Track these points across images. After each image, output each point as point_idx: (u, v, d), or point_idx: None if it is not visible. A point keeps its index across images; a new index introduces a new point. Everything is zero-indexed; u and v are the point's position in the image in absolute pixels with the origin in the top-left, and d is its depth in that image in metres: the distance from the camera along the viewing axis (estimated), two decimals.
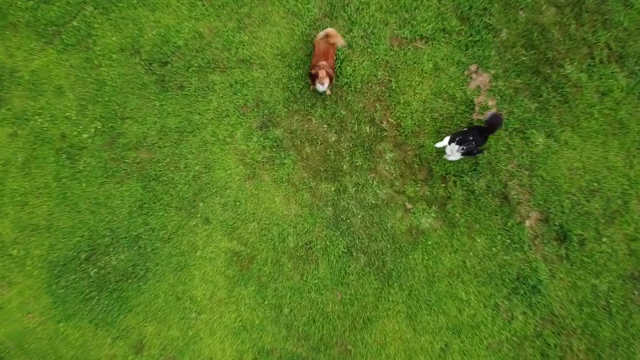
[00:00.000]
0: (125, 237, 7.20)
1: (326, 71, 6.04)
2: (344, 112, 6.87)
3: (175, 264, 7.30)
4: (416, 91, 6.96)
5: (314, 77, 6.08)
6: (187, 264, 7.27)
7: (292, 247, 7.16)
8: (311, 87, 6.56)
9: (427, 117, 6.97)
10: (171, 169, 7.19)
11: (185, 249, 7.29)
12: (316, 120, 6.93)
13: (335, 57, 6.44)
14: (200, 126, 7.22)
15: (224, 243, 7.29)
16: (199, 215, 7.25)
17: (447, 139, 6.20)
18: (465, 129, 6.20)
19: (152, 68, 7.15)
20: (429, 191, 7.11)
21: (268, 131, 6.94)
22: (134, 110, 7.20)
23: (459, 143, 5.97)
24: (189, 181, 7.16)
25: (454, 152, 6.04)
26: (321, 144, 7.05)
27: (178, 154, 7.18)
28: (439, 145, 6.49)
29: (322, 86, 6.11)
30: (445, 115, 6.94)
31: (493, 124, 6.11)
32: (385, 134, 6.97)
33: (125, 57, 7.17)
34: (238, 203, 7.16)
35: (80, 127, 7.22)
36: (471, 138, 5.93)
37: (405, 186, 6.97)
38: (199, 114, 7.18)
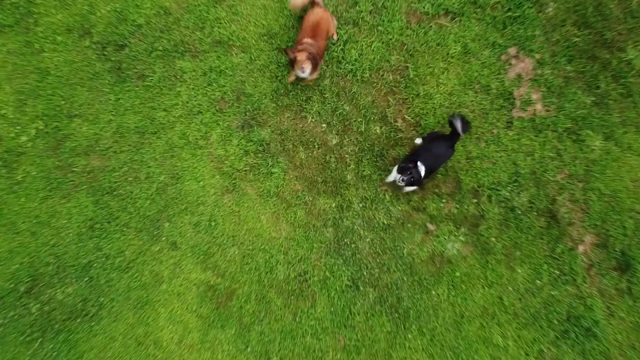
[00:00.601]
0: (74, 266, 5.93)
1: (309, 53, 4.78)
2: (347, 108, 5.89)
3: (136, 300, 5.95)
4: (440, 81, 5.72)
5: (292, 60, 4.83)
6: (150, 299, 5.95)
7: (283, 279, 5.89)
8: (289, 78, 5.52)
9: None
10: (129, 180, 5.92)
11: (148, 281, 5.96)
12: (313, 118, 5.92)
13: (330, 37, 5.30)
14: (166, 126, 6.06)
15: (196, 274, 6.01)
16: (164, 238, 5.98)
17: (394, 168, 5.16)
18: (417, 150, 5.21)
19: (105, 53, 5.92)
20: (457, 208, 5.87)
21: (252, 132, 5.98)
22: (84, 107, 5.95)
23: (399, 172, 4.85)
24: (151, 195, 5.90)
25: (399, 183, 4.96)
26: (319, 148, 5.95)
27: (138, 161, 5.92)
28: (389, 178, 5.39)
29: (302, 72, 4.87)
30: (478, 112, 5.72)
31: (462, 125, 4.88)
32: (400, 135, 5.83)
33: (73, 40, 5.95)
34: (214, 223, 6.02)
35: (19, 127, 5.98)
36: (411, 165, 4.84)
37: (426, 202, 5.90)
38: (165, 110, 5.97)
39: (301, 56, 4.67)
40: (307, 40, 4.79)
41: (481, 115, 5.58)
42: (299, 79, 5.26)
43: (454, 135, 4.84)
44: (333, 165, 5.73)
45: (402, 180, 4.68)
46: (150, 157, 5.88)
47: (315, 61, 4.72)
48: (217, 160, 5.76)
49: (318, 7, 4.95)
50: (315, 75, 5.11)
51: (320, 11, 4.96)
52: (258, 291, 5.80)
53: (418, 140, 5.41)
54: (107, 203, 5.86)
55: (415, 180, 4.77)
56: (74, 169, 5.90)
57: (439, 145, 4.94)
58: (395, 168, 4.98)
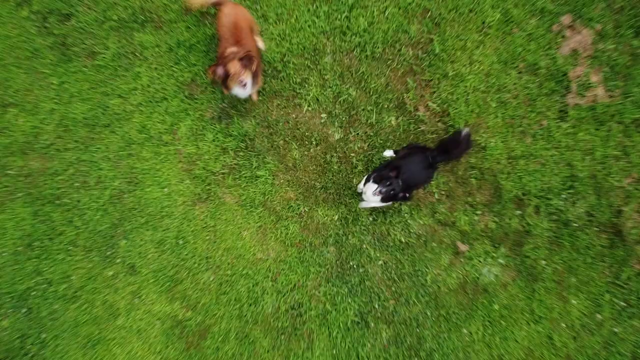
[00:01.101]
0: (9, 294, 4.85)
1: (243, 62, 3.67)
2: (354, 93, 4.74)
3: (85, 337, 4.85)
4: (474, 58, 4.51)
5: (223, 77, 3.72)
6: (103, 337, 4.84)
7: (271, 314, 4.75)
8: (225, 92, 4.35)
9: (491, 100, 4.54)
10: (76, 186, 4.80)
11: (100, 314, 4.85)
12: (309, 106, 4.77)
13: (256, 30, 4.16)
14: (122, 116, 4.92)
15: (160, 305, 4.86)
16: (119, 260, 4.86)
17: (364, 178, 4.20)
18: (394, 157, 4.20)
19: (47, 25, 4.76)
20: (495, 222, 4.67)
21: (231, 124, 4.87)
22: (21, 93, 4.78)
23: (376, 181, 3.82)
24: (103, 205, 4.79)
25: (369, 196, 3.87)
26: (317, 144, 4.80)
27: (87, 162, 4.80)
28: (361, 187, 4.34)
29: (243, 87, 3.75)
30: (523, 98, 4.54)
31: (459, 144, 3.88)
32: (422, 127, 4.67)
33: (8, 10, 4.78)
34: (182, 241, 4.86)
35: None
36: (392, 174, 3.80)
37: (456, 214, 4.74)
38: (120, 96, 4.82)
39: (234, 67, 3.59)
40: (232, 49, 3.70)
41: (527, 102, 4.49)
42: (238, 101, 4.41)
43: (440, 153, 3.86)
44: (335, 167, 4.63)
45: (380, 192, 3.65)
46: (102, 156, 4.80)
47: (254, 70, 3.69)
48: (186, 160, 4.73)
49: (227, 5, 3.86)
50: (259, 86, 4.01)
51: (231, 8, 3.86)
52: (239, 328, 4.72)
53: (388, 153, 4.37)
54: (49, 215, 4.79)
55: (394, 194, 3.71)
56: (8, 172, 4.80)
57: (415, 163, 3.93)
58: (368, 177, 4.00)
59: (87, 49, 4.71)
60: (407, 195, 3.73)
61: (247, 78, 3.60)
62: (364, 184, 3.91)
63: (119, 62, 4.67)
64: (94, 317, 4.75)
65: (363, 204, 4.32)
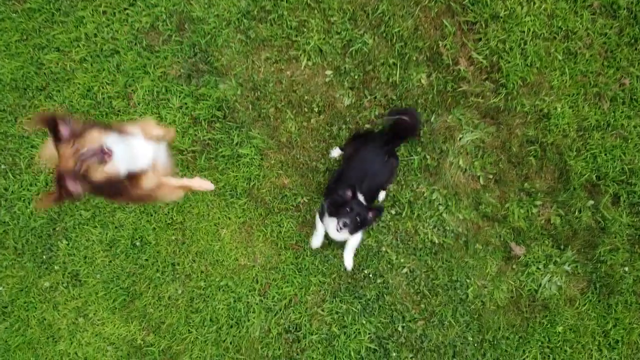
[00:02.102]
0: None
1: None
2: (370, 42, 3.53)
3: None
4: None
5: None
6: None
7: (259, 339, 3.62)
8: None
9: (557, 50, 3.37)
10: (2, 170, 3.71)
11: (36, 336, 3.77)
12: (309, 59, 3.56)
13: None
14: (61, 76, 3.76)
15: (112, 326, 3.72)
16: (58, 266, 3.75)
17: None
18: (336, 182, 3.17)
19: None
20: (561, 216, 3.50)
21: (204, 85, 3.65)
22: None
23: (332, 214, 3.04)
24: (37, 194, 3.69)
25: (335, 235, 3.16)
26: (320, 112, 3.59)
27: (17, 138, 3.69)
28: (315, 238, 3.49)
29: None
30: (597, 49, 3.38)
31: (406, 125, 3.13)
32: (463, 87, 3.45)
33: None
34: (140, 242, 3.71)
35: None
36: (348, 195, 2.95)
37: (508, 205, 3.54)
38: (59, 50, 3.68)
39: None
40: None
41: (603, 54, 3.43)
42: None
43: (393, 135, 3.18)
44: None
45: (344, 225, 2.89)
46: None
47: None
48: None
49: None
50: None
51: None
52: (217, 358, 3.66)
53: (335, 153, 3.46)
54: None
55: (363, 219, 2.94)
56: None
57: (371, 156, 3.14)
58: (321, 210, 3.24)
59: None
60: (378, 210, 3.07)
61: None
62: (320, 219, 3.29)
63: (56, 4, 3.63)
64: (29, 340, 3.91)
65: (314, 241, 3.47)
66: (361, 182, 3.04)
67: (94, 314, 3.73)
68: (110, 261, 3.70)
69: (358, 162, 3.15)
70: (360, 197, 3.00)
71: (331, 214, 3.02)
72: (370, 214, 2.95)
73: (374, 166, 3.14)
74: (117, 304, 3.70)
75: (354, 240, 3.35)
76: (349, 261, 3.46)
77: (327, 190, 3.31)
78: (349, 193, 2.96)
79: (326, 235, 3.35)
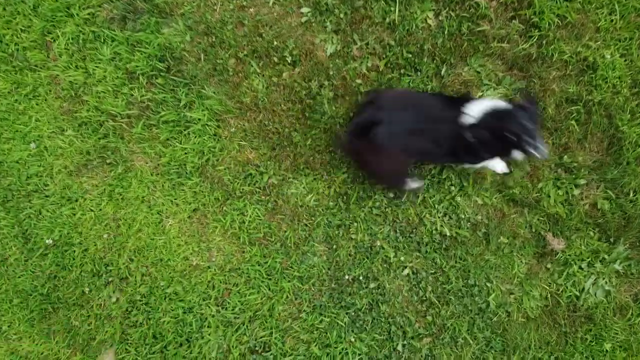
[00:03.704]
0: None
1: None
2: None
3: None
4: None
5: None
6: None
7: None
8: None
9: None
10: None
11: None
12: None
13: None
14: None
15: (30, 342, 2.85)
16: None
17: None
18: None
19: None
20: (610, 199, 2.64)
21: (145, 27, 2.73)
22: None
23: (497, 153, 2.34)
24: None
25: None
26: (295, 64, 2.70)
27: None
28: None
29: None
30: None
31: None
32: (483, 27, 2.56)
33: None
34: (62, 234, 2.81)
35: None
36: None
37: (541, 186, 2.65)
38: None
39: None
40: None
41: None
42: None
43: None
44: (327, 105, 2.65)
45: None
46: None
47: None
48: (67, 95, 2.82)
49: None
50: None
51: None
52: None
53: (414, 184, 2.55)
54: None
55: (521, 124, 2.11)
56: None
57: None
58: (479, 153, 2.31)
59: None
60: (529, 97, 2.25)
61: None
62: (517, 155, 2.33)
63: None
64: None
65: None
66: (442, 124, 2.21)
67: (8, 327, 2.90)
68: (26, 260, 2.80)
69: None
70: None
71: (508, 154, 2.19)
72: (517, 110, 2.09)
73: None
74: (35, 315, 2.83)
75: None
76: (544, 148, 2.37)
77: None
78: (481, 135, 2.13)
79: None
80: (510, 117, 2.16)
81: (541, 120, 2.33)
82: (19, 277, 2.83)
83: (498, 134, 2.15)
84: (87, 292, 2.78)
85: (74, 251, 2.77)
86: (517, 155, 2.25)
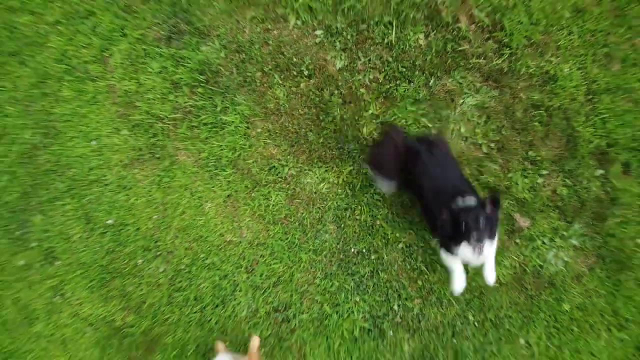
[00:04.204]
0: None
1: None
2: None
3: None
4: None
5: None
6: (17, 349, 3.44)
7: (246, 319, 3.26)
8: None
9: (564, 7, 3.06)
10: None
11: (11, 318, 3.45)
12: (298, 19, 3.22)
13: None
14: (34, 40, 3.40)
15: (91, 306, 3.37)
16: (34, 243, 3.40)
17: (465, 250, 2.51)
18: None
19: None
20: (568, 187, 3.17)
21: (185, 47, 3.29)
22: None
23: (464, 240, 2.46)
24: (10, 167, 3.39)
25: (476, 257, 2.53)
26: (310, 76, 3.23)
27: None
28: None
29: None
30: (608, 5, 3.07)
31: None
32: (464, 47, 3.14)
33: None
34: (117, 215, 3.34)
35: None
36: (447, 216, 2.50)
37: (511, 175, 3.20)
38: (32, 12, 3.36)
39: None
40: None
41: (612, 12, 3.11)
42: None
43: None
44: (337, 110, 3.21)
45: (480, 240, 2.35)
46: (7, 98, 3.42)
47: None
48: (122, 101, 3.34)
49: None
50: None
51: None
52: (201, 339, 3.31)
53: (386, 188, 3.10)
54: None
55: (489, 219, 2.39)
56: None
57: (426, 161, 2.68)
58: (445, 249, 2.67)
59: None
60: (493, 199, 2.40)
61: None
62: (452, 256, 2.66)
63: None
64: (4, 322, 3.58)
65: (458, 285, 2.81)
66: (444, 192, 2.53)
67: (72, 294, 3.44)
68: (88, 237, 3.38)
69: (424, 179, 2.63)
70: (461, 202, 2.44)
71: (457, 243, 2.48)
72: (488, 209, 2.38)
73: (436, 168, 2.64)
74: (95, 283, 3.40)
75: (492, 251, 2.66)
76: (492, 276, 2.78)
77: (432, 228, 2.81)
78: (446, 215, 2.44)
79: None
80: (472, 210, 2.36)
81: (495, 224, 2.45)
82: (82, 252, 3.41)
83: (456, 218, 2.36)
84: (139, 264, 3.37)
85: (129, 230, 3.36)
86: (465, 252, 2.42)
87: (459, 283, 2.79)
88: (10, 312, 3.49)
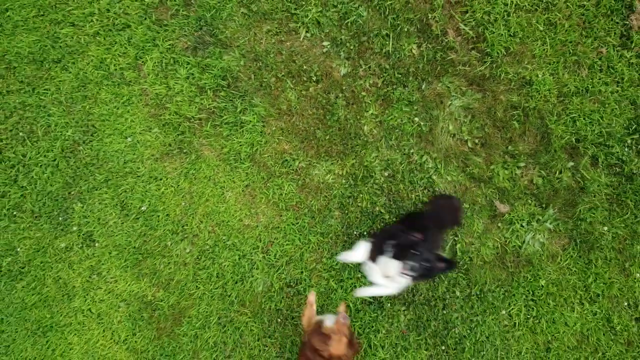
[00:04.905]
0: None
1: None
2: (365, 14, 3.70)
3: (35, 323, 3.91)
4: None
5: None
6: (57, 322, 3.93)
7: (262, 293, 3.77)
8: None
9: (538, 22, 3.52)
10: (21, 137, 3.85)
11: (52, 294, 3.91)
12: (308, 31, 3.72)
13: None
14: (76, 49, 3.86)
15: (124, 284, 3.88)
16: (75, 228, 3.89)
17: (363, 246, 3.00)
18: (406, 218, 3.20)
19: None
20: (542, 177, 3.65)
21: (209, 56, 3.86)
22: None
23: (397, 256, 2.71)
24: (54, 160, 3.86)
25: (388, 278, 2.84)
26: (318, 81, 3.73)
27: (34, 107, 3.82)
28: (347, 257, 3.22)
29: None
30: (576, 20, 3.50)
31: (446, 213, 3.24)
32: (451, 56, 3.63)
33: None
34: (149, 203, 3.86)
35: None
36: (418, 236, 2.78)
37: (493, 167, 3.71)
38: (73, 24, 3.80)
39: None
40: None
41: (581, 25, 3.56)
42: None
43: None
44: (341, 111, 3.69)
45: (412, 269, 2.62)
46: (52, 99, 3.86)
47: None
48: (154, 103, 3.83)
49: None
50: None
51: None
52: (222, 311, 3.82)
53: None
54: None
55: (430, 268, 2.66)
56: None
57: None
58: (378, 245, 2.92)
59: None
60: (450, 263, 2.74)
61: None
62: (370, 259, 2.96)
63: None
64: (45, 298, 4.03)
65: (345, 257, 3.26)
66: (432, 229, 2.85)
67: (107, 272, 3.87)
68: (122, 222, 3.83)
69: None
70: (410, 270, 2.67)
71: (395, 256, 2.69)
72: (441, 264, 2.65)
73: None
74: (128, 263, 3.84)
75: (385, 290, 2.98)
76: (361, 293, 3.21)
77: (379, 234, 3.10)
78: (419, 235, 2.71)
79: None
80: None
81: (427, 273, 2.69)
82: (117, 235, 3.86)
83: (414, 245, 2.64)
84: (168, 245, 3.81)
85: (159, 215, 3.81)
86: (390, 265, 2.66)
87: (345, 257, 3.18)
88: (51, 290, 3.93)
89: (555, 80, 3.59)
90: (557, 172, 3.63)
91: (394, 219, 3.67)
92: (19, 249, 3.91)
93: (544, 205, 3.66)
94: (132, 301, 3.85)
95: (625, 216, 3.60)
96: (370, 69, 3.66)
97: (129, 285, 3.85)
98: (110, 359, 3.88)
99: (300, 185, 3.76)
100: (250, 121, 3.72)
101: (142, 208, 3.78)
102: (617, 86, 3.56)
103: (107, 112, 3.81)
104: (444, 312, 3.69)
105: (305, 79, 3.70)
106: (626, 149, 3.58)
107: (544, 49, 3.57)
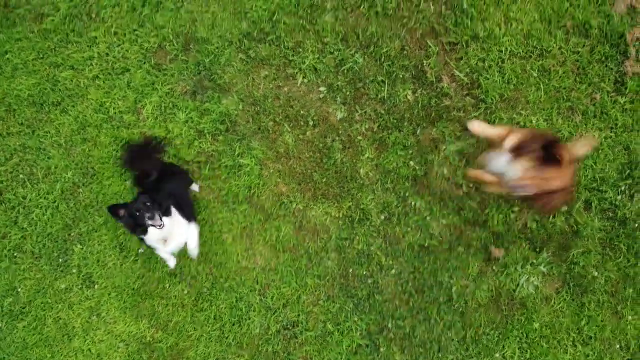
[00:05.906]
0: None
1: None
2: (361, 61, 3.78)
3: None
4: (510, 14, 3.57)
5: None
6: None
7: (259, 335, 3.81)
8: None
9: (532, 68, 3.59)
10: (21, 179, 3.94)
11: (52, 335, 3.97)
12: (305, 77, 3.82)
13: None
14: (75, 92, 3.97)
15: (123, 325, 3.92)
16: (74, 269, 3.95)
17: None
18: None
19: None
20: (536, 221, 3.67)
21: (208, 101, 3.90)
22: None
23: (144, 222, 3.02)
24: (54, 202, 3.92)
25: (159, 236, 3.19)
26: (315, 126, 3.83)
27: (34, 149, 3.93)
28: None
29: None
30: (570, 66, 3.57)
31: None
32: (446, 103, 3.69)
33: None
34: (143, 249, 3.86)
35: None
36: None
37: (488, 211, 3.72)
38: (73, 68, 3.89)
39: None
40: None
41: (575, 71, 3.62)
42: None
43: None
44: (338, 155, 3.75)
45: (152, 217, 2.95)
46: (51, 142, 3.95)
47: None
48: None
49: None
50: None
51: None
52: (220, 353, 3.86)
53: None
54: None
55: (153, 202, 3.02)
56: None
57: None
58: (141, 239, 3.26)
59: (34, 10, 3.64)
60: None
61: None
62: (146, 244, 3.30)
63: (70, 26, 3.95)
64: (46, 338, 4.09)
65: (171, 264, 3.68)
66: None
67: (107, 313, 3.93)
68: (122, 264, 3.88)
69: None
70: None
71: (144, 229, 2.97)
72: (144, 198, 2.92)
73: None
74: (127, 304, 3.90)
75: (181, 227, 3.25)
76: (195, 252, 3.51)
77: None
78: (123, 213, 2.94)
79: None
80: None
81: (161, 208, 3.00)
82: (116, 277, 3.91)
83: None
84: (167, 287, 3.86)
85: (157, 257, 3.87)
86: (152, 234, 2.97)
87: (171, 262, 3.57)
88: (51, 330, 3.98)
89: (549, 126, 3.64)
90: (551, 217, 3.68)
91: (390, 262, 3.73)
92: (19, 290, 3.97)
93: (538, 249, 3.71)
94: (131, 342, 3.90)
95: (618, 260, 3.64)
96: (366, 113, 3.72)
97: (128, 326, 3.91)
98: None
99: (298, 227, 3.81)
100: (248, 164, 3.78)
101: (140, 250, 3.83)
102: (611, 132, 3.61)
103: (107, 155, 3.88)
104: (439, 354, 3.73)
105: (302, 123, 3.76)
106: (619, 194, 3.65)
107: (538, 95, 3.63)
